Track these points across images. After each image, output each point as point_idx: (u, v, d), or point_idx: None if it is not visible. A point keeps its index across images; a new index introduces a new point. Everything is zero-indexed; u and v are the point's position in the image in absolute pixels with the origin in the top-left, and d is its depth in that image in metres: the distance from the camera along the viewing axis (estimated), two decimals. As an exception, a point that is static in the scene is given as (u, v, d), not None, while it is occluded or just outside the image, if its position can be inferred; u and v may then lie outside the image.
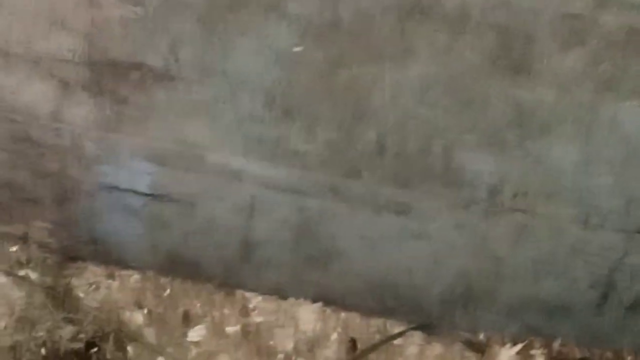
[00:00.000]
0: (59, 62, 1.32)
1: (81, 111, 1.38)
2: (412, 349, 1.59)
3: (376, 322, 1.61)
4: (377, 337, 1.60)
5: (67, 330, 1.54)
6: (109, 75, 1.32)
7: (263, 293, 1.62)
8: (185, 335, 1.58)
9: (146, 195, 1.48)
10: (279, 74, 1.27)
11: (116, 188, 1.48)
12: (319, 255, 1.53)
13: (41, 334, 1.53)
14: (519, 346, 1.59)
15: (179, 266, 1.60)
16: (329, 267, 1.54)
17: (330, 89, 1.27)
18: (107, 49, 1.29)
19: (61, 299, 1.58)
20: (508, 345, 1.59)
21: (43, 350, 1.51)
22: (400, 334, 1.59)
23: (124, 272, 1.63)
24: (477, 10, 1.16)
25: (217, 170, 1.42)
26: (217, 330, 1.59)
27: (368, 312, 1.60)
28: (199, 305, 1.61)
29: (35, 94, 1.36)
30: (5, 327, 1.53)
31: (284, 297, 1.62)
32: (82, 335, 1.53)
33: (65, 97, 1.36)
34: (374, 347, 1.57)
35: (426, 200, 1.39)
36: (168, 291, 1.62)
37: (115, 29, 1.26)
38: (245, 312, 1.61)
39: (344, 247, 1.50)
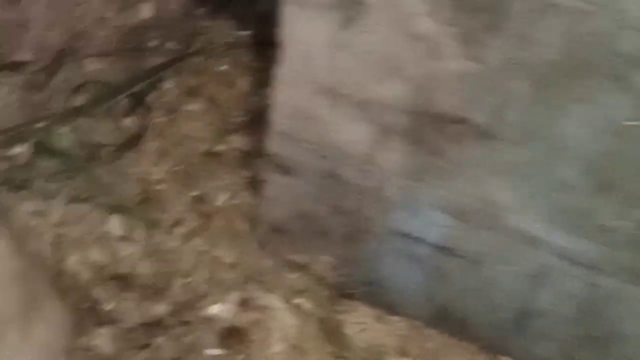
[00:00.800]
0: (384, 107, 1.39)
1: (394, 156, 1.43)
2: None
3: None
4: None
5: (336, 365, 1.59)
6: (430, 126, 1.37)
7: (528, 364, 1.59)
8: (445, 391, 1.58)
9: (435, 246, 1.51)
10: (605, 146, 1.26)
11: (407, 235, 1.53)
12: (600, 337, 1.48)
13: (314, 366, 1.58)
14: None
15: (447, 321, 1.61)
16: (608, 351, 1.49)
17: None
18: (434, 101, 1.34)
19: (332, 333, 1.63)
20: None
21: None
22: None
23: (392, 318, 1.66)
24: None
25: (513, 233, 1.42)
26: (479, 392, 1.57)
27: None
28: (461, 363, 1.61)
29: (354, 134, 1.44)
30: (280, 353, 1.59)
31: (549, 372, 1.58)
32: (349, 374, 1.58)
33: (381, 141, 1.43)
34: None
35: None
36: (432, 344, 1.63)
37: (449, 82, 1.31)
38: (507, 380, 1.59)
39: (628, 332, 1.45)
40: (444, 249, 1.51)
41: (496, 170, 1.37)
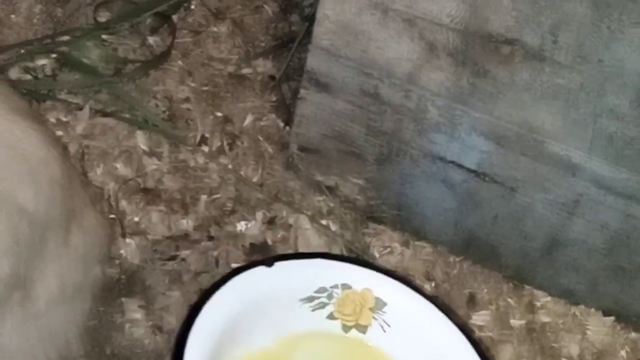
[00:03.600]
0: (434, 25, 1.38)
1: (438, 77, 1.43)
2: None
3: (668, 350, 1.56)
4: (665, 365, 1.55)
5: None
6: (479, 46, 1.37)
7: (553, 294, 1.60)
8: (469, 317, 1.59)
9: (470, 171, 1.52)
10: (659, 72, 1.26)
11: (442, 159, 1.53)
12: (629, 269, 1.50)
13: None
14: None
15: (475, 249, 1.62)
16: (635, 283, 1.51)
17: None
18: (487, 20, 1.33)
19: (358, 254, 1.64)
20: None
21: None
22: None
23: (418, 243, 1.67)
24: None
25: (553, 160, 1.43)
26: (501, 319, 1.59)
27: (661, 338, 1.56)
28: (485, 291, 1.63)
29: (399, 52, 1.43)
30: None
31: (574, 303, 1.60)
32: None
33: (427, 60, 1.42)
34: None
35: None
36: (457, 270, 1.65)
37: (503, 1, 1.30)
38: (531, 309, 1.61)
39: (659, 265, 1.47)
40: (479, 174, 1.51)
41: (543, 95, 1.37)
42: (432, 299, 1.36)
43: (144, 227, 1.65)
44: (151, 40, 1.98)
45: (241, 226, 1.67)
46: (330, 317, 1.35)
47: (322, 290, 1.34)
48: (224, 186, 1.74)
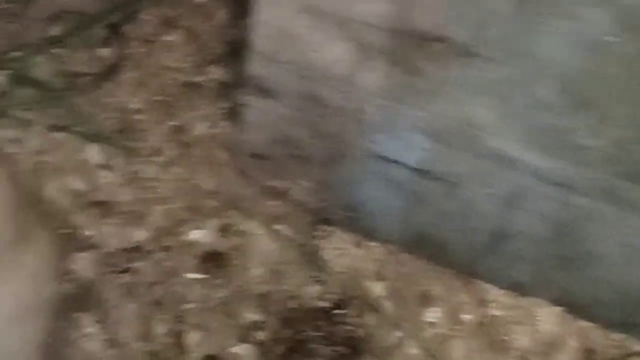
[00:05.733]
0: (364, 26, 1.39)
1: (373, 77, 1.44)
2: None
3: (618, 337, 1.57)
4: (616, 352, 1.56)
5: (314, 289, 1.60)
6: (410, 45, 1.38)
7: (503, 287, 1.62)
8: (421, 314, 1.60)
9: (413, 169, 1.53)
10: (584, 63, 1.28)
11: (384, 158, 1.54)
12: (574, 257, 1.51)
13: (289, 287, 1.60)
14: None
15: (424, 246, 1.63)
16: (580, 272, 1.52)
17: (636, 85, 1.26)
18: (414, 18, 1.34)
19: (310, 258, 1.65)
20: None
21: (289, 303, 1.58)
22: (640, 354, 1.55)
23: (370, 243, 1.68)
24: None
25: (492, 154, 1.44)
26: (453, 315, 1.60)
27: (610, 325, 1.57)
28: (437, 287, 1.64)
29: (334, 54, 1.44)
30: (259, 277, 1.61)
31: (523, 295, 1.61)
32: (327, 296, 1.60)
33: (361, 61, 1.43)
34: (610, 362, 1.54)
35: None
36: (409, 268, 1.66)
37: (429, -1, 1.31)
38: (482, 302, 1.62)
39: (603, 252, 1.48)
40: (421, 172, 1.53)
41: (476, 90, 1.38)
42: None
43: (97, 240, 1.66)
44: (103, 52, 1.98)
45: (194, 235, 1.68)
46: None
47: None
48: (177, 195, 1.75)
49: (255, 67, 1.54)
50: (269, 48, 1.49)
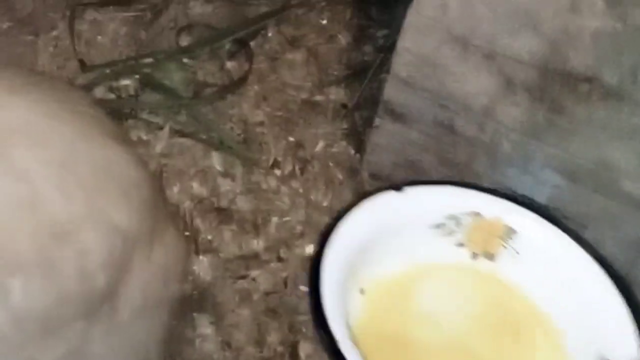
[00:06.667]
0: (513, 61, 1.40)
1: (514, 112, 1.45)
2: None
3: None
4: None
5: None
6: (557, 84, 1.39)
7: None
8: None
9: (542, 206, 1.53)
10: None
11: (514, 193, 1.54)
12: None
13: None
14: None
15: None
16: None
17: None
18: (566, 58, 1.36)
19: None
20: None
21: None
22: None
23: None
24: None
25: (626, 198, 1.43)
26: None
27: None
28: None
29: (476, 86, 1.46)
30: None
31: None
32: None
33: (504, 95, 1.45)
34: None
35: None
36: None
37: (585, 39, 1.32)
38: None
39: None
40: (550, 209, 1.53)
41: (619, 134, 1.38)
42: (566, 228, 1.35)
43: (216, 245, 1.70)
44: (229, 65, 2.05)
45: (310, 249, 1.71)
46: (459, 244, 1.34)
47: (451, 217, 1.33)
48: (294, 209, 1.78)
49: (392, 91, 1.57)
50: (409, 74, 1.52)
